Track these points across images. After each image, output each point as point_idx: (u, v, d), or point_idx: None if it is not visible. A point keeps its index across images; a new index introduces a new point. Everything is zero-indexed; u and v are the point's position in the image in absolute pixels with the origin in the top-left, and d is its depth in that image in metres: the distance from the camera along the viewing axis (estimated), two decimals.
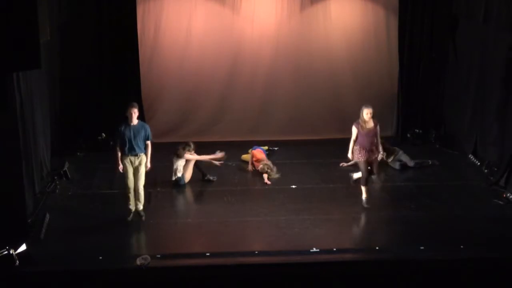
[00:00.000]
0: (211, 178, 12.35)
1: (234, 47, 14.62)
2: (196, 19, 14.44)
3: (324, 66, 14.74)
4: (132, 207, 10.63)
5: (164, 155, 12.20)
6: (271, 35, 14.61)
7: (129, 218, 10.59)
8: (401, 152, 13.22)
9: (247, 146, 13.56)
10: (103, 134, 14.05)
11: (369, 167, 11.07)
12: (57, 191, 11.84)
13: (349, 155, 11.14)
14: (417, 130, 14.64)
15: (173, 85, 14.67)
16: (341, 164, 12.97)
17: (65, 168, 12.47)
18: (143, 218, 10.63)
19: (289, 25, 14.58)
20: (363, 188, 11.15)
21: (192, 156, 12.18)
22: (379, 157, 11.16)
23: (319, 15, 14.61)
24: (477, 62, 13.24)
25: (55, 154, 13.02)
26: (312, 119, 14.87)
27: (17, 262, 9.04)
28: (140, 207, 10.68)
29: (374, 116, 10.97)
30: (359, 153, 10.99)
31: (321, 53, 14.72)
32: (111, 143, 13.73)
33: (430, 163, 13.23)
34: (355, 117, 14.06)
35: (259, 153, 12.98)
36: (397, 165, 12.99)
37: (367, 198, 11.12)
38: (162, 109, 14.66)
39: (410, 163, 13.06)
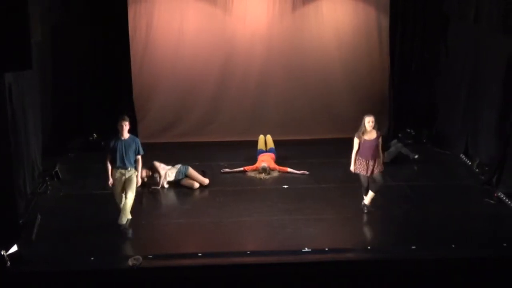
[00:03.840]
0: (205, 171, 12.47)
1: (226, 47, 14.61)
2: (188, 19, 14.43)
3: (316, 65, 14.75)
4: (126, 214, 10.39)
5: (156, 155, 12.19)
6: (263, 35, 14.61)
7: (125, 225, 10.36)
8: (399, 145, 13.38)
9: (240, 146, 13.57)
10: (95, 135, 14.03)
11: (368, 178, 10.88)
12: (48, 192, 11.81)
13: (352, 167, 10.87)
14: (409, 130, 14.66)
15: (165, 85, 14.65)
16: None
17: (57, 169, 12.45)
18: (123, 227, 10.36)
19: (281, 25, 14.58)
20: (364, 196, 10.99)
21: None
22: (377, 170, 10.77)
23: (311, 15, 14.62)
24: (468, 62, 13.28)
25: (47, 154, 12.97)
26: (304, 118, 14.87)
27: (9, 263, 9.02)
28: (123, 220, 10.34)
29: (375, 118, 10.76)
30: (360, 166, 10.74)
31: (313, 53, 14.73)
32: (102, 143, 13.76)
33: (416, 157, 13.35)
34: (347, 116, 14.23)
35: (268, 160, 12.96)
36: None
37: (370, 204, 10.94)
38: (154, 109, 14.64)
39: (412, 156, 13.23)
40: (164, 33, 14.44)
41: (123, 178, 10.36)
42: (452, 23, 14.00)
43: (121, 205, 10.38)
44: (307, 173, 12.68)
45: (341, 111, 14.80)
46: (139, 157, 10.45)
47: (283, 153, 13.41)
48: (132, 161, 10.38)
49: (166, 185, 12.03)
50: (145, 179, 11.86)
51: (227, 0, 14.37)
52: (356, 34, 14.75)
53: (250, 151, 13.40)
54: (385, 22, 14.61)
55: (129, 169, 10.35)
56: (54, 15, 13.24)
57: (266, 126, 14.51)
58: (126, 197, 10.37)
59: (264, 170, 12.59)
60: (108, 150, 10.42)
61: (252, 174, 12.70)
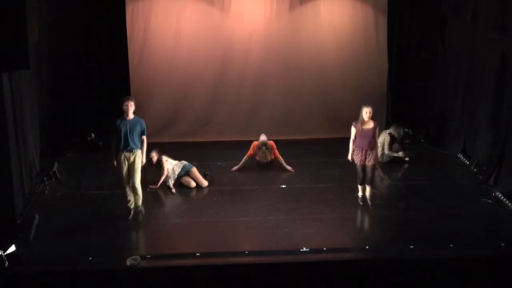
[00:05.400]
0: (208, 173, 12.47)
1: (224, 47, 14.61)
2: (185, 19, 14.43)
3: (313, 65, 14.77)
4: (131, 205, 10.62)
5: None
6: (260, 35, 14.61)
7: (130, 217, 10.60)
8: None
9: (237, 146, 13.57)
10: (92, 135, 14.04)
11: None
12: (46, 191, 11.79)
13: (349, 157, 10.98)
14: (406, 130, 14.67)
15: (162, 85, 14.65)
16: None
17: (54, 169, 12.44)
18: (143, 212, 10.65)
19: (278, 24, 14.59)
20: (359, 187, 11.11)
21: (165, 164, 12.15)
22: (371, 162, 10.89)
23: (309, 14, 14.63)
24: (466, 61, 13.29)
25: (44, 154, 12.99)
26: (302, 118, 14.87)
27: (6, 263, 9.02)
28: (139, 202, 10.65)
29: (373, 117, 10.86)
30: (356, 155, 10.87)
31: (311, 53, 14.74)
32: (100, 143, 13.78)
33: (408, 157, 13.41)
34: (344, 116, 14.20)
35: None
36: (401, 153, 13.18)
37: (363, 196, 11.08)
38: (152, 110, 14.62)
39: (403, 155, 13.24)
40: (162, 32, 14.44)
41: (128, 162, 10.45)
42: (449, 23, 14.01)
43: (127, 188, 10.54)
44: (292, 171, 12.72)
45: (338, 110, 14.80)
46: (144, 137, 10.60)
47: (280, 152, 13.40)
48: (137, 142, 10.49)
49: (171, 182, 12.05)
50: (153, 160, 11.97)
51: None
52: (353, 33, 14.76)
53: (247, 151, 13.37)
54: (383, 21, 14.62)
55: (133, 151, 10.43)
56: (51, 15, 13.24)
57: (263, 126, 14.50)
58: (133, 182, 10.49)
59: (263, 144, 12.80)
60: (113, 130, 10.51)
61: (257, 157, 12.88)
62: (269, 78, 14.79)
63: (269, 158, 12.95)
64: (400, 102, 14.79)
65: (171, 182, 11.98)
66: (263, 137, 12.91)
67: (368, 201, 11.10)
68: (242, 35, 14.58)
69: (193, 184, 12.10)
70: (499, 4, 11.86)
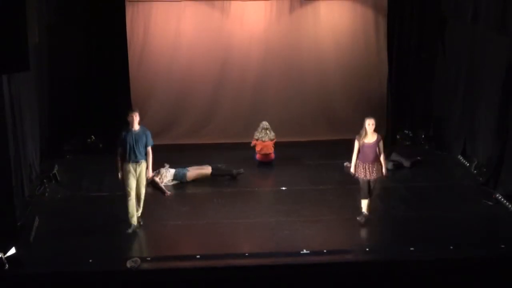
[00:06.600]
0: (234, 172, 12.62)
1: (224, 49, 14.59)
2: (185, 21, 14.42)
3: (313, 67, 14.75)
4: (134, 220, 10.38)
5: (153, 157, 12.17)
6: (260, 37, 14.59)
7: (129, 231, 10.34)
8: (393, 153, 13.23)
9: (237, 148, 13.57)
10: (92, 137, 14.02)
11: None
12: (46, 194, 11.80)
13: (352, 170, 10.70)
14: (406, 131, 14.67)
15: (162, 87, 14.63)
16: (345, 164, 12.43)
17: (54, 171, 12.43)
18: (141, 223, 10.54)
19: (278, 26, 14.58)
20: (363, 202, 10.75)
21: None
22: (375, 176, 10.59)
23: (309, 16, 14.61)
24: (466, 62, 13.28)
25: (44, 157, 12.98)
26: (302, 120, 14.85)
27: (7, 265, 9.02)
28: (139, 213, 10.56)
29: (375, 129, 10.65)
30: (361, 169, 10.57)
31: (311, 55, 14.72)
32: (100, 145, 13.77)
33: (420, 159, 13.33)
34: (344, 118, 14.24)
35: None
36: (390, 165, 12.99)
37: (366, 214, 10.72)
38: (152, 112, 14.59)
39: (406, 163, 13.08)
40: (162, 35, 14.42)
41: (136, 173, 10.35)
42: (449, 23, 14.01)
43: (130, 200, 10.36)
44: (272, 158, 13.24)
45: (338, 112, 14.80)
46: (149, 149, 10.45)
47: (280, 154, 13.41)
48: (143, 153, 10.36)
49: (168, 179, 12.20)
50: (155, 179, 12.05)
51: (225, 1, 14.36)
52: (353, 35, 14.74)
53: (247, 153, 13.40)
54: (383, 23, 14.61)
55: (140, 162, 10.33)
56: (51, 17, 13.23)
57: None
58: (139, 193, 10.44)
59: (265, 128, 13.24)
60: (118, 142, 10.40)
61: (257, 148, 13.25)
62: (269, 80, 14.77)
63: (267, 138, 13.12)
64: (400, 103, 14.77)
65: (162, 185, 12.06)
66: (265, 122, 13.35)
67: (366, 210, 10.80)
68: (242, 37, 14.56)
69: (203, 170, 12.33)
70: (499, 4, 11.85)
